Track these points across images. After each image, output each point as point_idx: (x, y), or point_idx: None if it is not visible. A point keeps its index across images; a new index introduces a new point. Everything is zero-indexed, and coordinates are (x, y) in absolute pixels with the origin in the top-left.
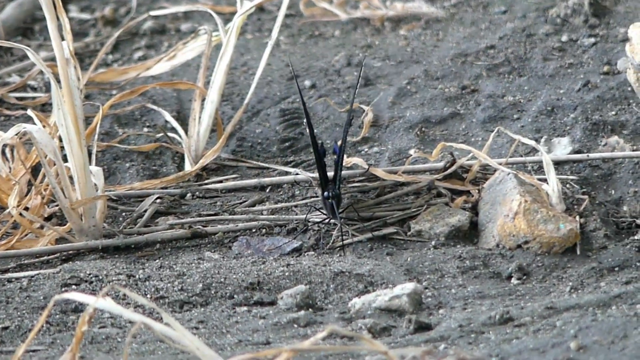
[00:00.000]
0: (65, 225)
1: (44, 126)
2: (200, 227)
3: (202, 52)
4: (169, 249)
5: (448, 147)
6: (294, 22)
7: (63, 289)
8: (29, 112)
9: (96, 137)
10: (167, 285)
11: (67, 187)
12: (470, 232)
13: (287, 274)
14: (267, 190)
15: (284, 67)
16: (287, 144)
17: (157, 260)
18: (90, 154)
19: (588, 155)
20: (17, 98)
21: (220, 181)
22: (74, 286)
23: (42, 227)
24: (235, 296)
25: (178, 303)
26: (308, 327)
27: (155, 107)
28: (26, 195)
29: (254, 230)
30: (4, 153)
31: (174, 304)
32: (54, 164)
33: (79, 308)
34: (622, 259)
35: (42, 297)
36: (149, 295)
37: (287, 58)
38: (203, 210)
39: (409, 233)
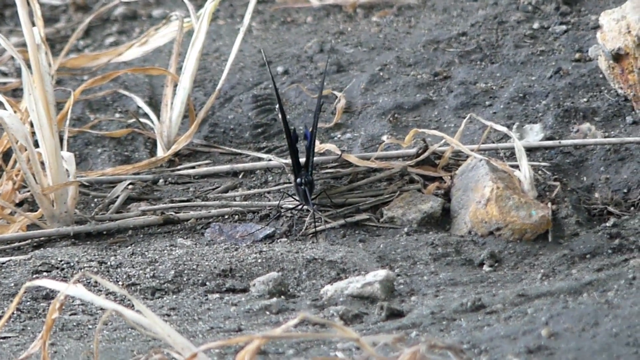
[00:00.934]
0: (36, 211)
1: (15, 111)
2: (172, 213)
3: (174, 38)
4: (141, 236)
5: (420, 133)
6: (266, 8)
7: (34, 276)
8: (0, 97)
9: (67, 122)
10: (138, 272)
11: (38, 172)
12: (443, 219)
13: (259, 260)
14: (240, 176)
15: (256, 53)
16: (259, 130)
17: (129, 247)
18: (61, 140)
19: (560, 142)
20: None
21: (193, 167)
22: (45, 273)
23: (13, 213)
24: (207, 283)
25: (150, 290)
26: (280, 314)
27: (127, 93)
28: None
29: (226, 217)
30: None
31: (146, 291)
32: (25, 150)
33: (50, 295)
34: (593, 246)
35: (12, 284)
36: (120, 283)
37: (260, 44)
38: (175, 196)
39: (381, 220)
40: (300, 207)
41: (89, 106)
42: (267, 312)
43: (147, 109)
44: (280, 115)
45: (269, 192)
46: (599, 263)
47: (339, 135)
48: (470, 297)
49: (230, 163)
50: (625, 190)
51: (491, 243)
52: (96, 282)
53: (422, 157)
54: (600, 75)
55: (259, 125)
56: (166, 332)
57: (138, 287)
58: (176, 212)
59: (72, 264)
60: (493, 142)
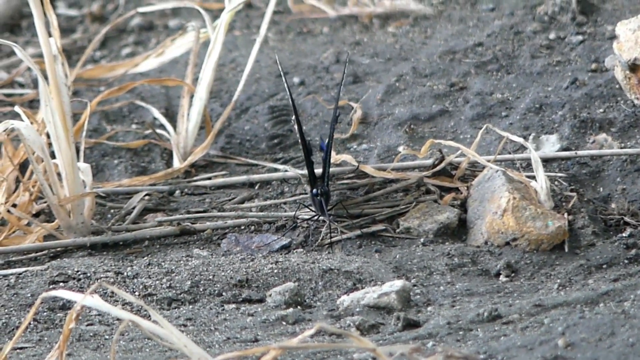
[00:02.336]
0: (53, 222)
1: (31, 123)
2: (188, 224)
3: (190, 49)
4: (158, 246)
5: (437, 144)
6: (282, 18)
7: (51, 286)
8: (17, 108)
9: (84, 133)
10: (155, 283)
11: (55, 183)
12: (459, 229)
13: (275, 271)
14: (256, 187)
15: (273, 64)
16: (275, 140)
17: (146, 258)
18: (78, 151)
19: (576, 153)
20: (4, 95)
21: (209, 178)
22: (61, 283)
23: (30, 224)
24: (223, 293)
25: (166, 300)
26: (296, 325)
27: (143, 104)
28: (14, 192)
29: (242, 227)
30: None
31: (162, 301)
32: (42, 161)
33: (66, 305)
34: (610, 257)
35: (29, 295)
36: (137, 293)
37: (276, 55)
38: (192, 207)
39: (397, 230)
40: (316, 217)
41: (106, 117)
42: (284, 323)
43: (163, 120)
44: (296, 126)
45: (285, 203)
46: (616, 273)
47: (355, 146)
48: (487, 308)
49: (247, 174)
50: None
51: (507, 253)
52: (113, 292)
53: (438, 167)
54: (617, 86)
55: (275, 136)
56: (183, 342)
57: (154, 298)
58: (192, 223)
59: (88, 275)
60: (509, 153)
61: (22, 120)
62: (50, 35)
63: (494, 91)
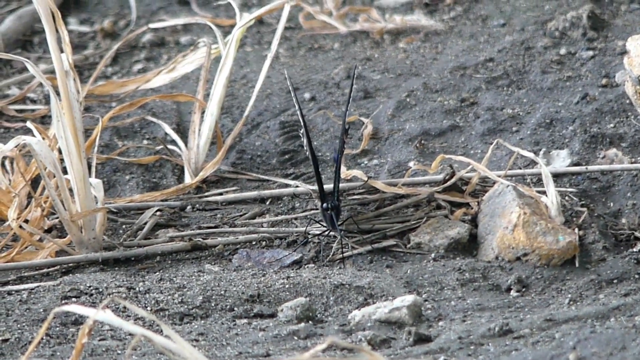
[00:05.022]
0: (65, 237)
1: (43, 138)
2: (200, 239)
3: (202, 65)
4: (169, 262)
5: (447, 159)
6: (293, 34)
7: (63, 302)
8: (29, 124)
9: (96, 149)
10: (167, 298)
11: (66, 199)
12: (470, 245)
13: (287, 286)
14: (267, 202)
15: (284, 79)
16: (286, 156)
17: (157, 273)
18: (90, 166)
19: (587, 168)
20: (16, 110)
21: (220, 193)
22: (74, 299)
23: (42, 239)
24: (235, 308)
25: (178, 315)
26: (308, 339)
27: (154, 120)
28: (26, 208)
29: (254, 243)
30: (3, 165)
31: (174, 316)
32: (54, 176)
33: (79, 320)
34: (620, 271)
35: (42, 310)
36: (149, 308)
37: (287, 71)
38: (203, 222)
39: (408, 245)
40: (327, 233)
41: (117, 133)
42: (295, 337)
43: (174, 135)
44: (305, 141)
45: (296, 219)
46: (626, 288)
47: (366, 162)
48: (498, 322)
49: (258, 189)
50: None
51: (518, 268)
52: (125, 307)
53: (449, 183)
54: (627, 101)
55: (286, 152)
56: (195, 357)
57: (166, 313)
58: (204, 239)
59: (100, 290)
60: (520, 168)
61: (34, 135)
62: (62, 51)
63: (505, 106)
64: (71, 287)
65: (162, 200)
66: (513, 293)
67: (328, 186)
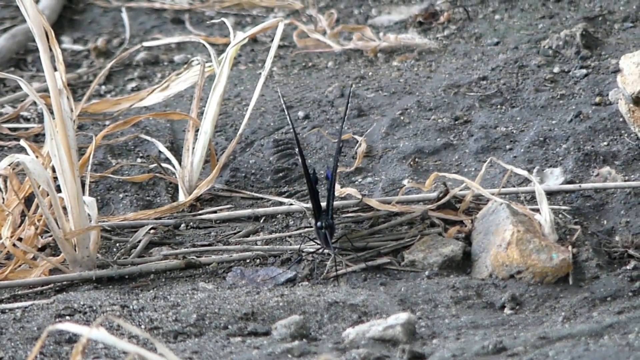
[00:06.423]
0: (59, 255)
1: (37, 157)
2: (194, 257)
3: (195, 83)
4: (163, 280)
5: (441, 177)
6: (287, 53)
7: (57, 320)
8: (22, 142)
9: (89, 167)
10: (161, 316)
11: (60, 217)
12: (464, 262)
13: (281, 304)
14: (261, 220)
15: (278, 98)
16: (280, 174)
17: (151, 291)
18: (83, 185)
19: (580, 186)
20: (10, 129)
21: (214, 211)
22: (67, 317)
23: (35, 257)
24: (229, 326)
25: (172, 333)
26: (302, 357)
27: (148, 138)
28: (19, 226)
29: (248, 261)
30: None
31: (168, 334)
32: (47, 195)
33: (72, 339)
34: (614, 289)
35: (35, 328)
36: (143, 326)
37: (281, 89)
38: (197, 240)
39: (402, 263)
40: (321, 250)
41: (111, 151)
42: (289, 355)
43: (168, 153)
44: (299, 159)
45: (290, 237)
46: (620, 306)
47: (359, 180)
48: (492, 340)
49: (252, 207)
50: None
51: (512, 286)
52: (119, 325)
53: (442, 201)
54: (621, 119)
55: (280, 170)
56: None
57: (160, 331)
58: (198, 257)
59: (94, 308)
60: (513, 186)
61: (27, 154)
62: (55, 69)
63: (498, 124)
64: (65, 305)
65: (156, 219)
66: (507, 311)
67: (323, 204)
